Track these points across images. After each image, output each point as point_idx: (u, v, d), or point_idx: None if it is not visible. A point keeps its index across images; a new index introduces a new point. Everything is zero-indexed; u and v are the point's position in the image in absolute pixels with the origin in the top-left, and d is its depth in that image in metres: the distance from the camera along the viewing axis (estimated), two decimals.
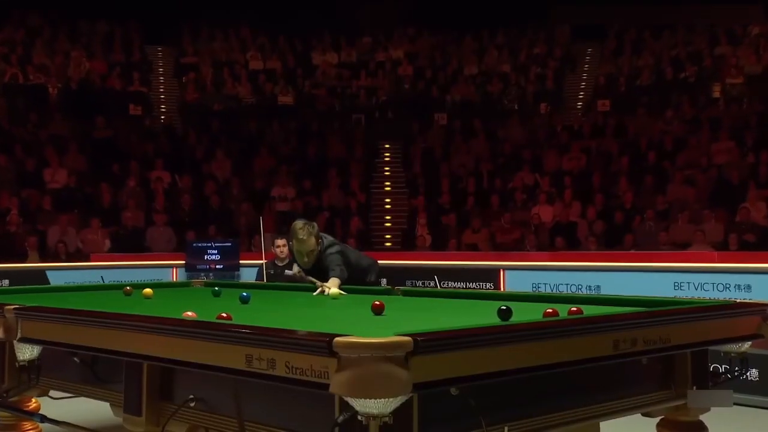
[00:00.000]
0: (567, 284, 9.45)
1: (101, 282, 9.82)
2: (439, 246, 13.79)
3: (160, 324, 3.24)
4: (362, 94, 18.72)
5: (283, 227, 13.79)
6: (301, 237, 5.86)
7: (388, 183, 17.19)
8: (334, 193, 15.65)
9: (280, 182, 15.60)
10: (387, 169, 17.59)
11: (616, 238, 12.87)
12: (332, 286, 5.32)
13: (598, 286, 9.24)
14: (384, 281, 9.75)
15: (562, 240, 12.86)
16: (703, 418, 3.78)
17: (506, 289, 9.47)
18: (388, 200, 16.75)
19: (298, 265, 6.16)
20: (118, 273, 11.23)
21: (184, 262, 12.34)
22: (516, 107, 18.24)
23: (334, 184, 15.80)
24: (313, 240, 5.89)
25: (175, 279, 11.67)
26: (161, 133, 17.14)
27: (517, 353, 2.80)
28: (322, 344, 2.47)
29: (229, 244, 12.76)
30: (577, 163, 15.31)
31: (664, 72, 17.85)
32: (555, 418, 3.11)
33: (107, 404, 3.77)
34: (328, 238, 6.17)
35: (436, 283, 10.36)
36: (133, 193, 14.66)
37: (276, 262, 8.03)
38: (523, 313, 3.43)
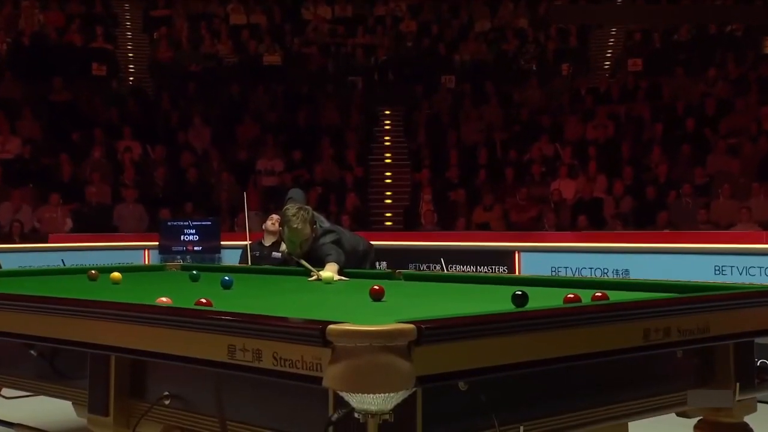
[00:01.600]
0: (591, 268, 9.48)
1: (62, 266, 9.83)
2: (446, 225, 13.80)
3: (130, 311, 3.25)
4: (359, 53, 18.65)
5: (269, 204, 13.82)
6: (295, 226, 5.84)
7: (388, 154, 17.18)
8: (328, 165, 15.64)
9: (266, 153, 15.59)
10: (387, 138, 17.56)
11: (647, 217, 12.88)
12: (330, 272, 5.31)
13: (627, 271, 9.26)
14: (384, 264, 9.78)
15: (585, 218, 12.87)
16: (748, 419, 3.78)
17: (522, 273, 9.49)
18: (388, 174, 16.75)
19: (288, 251, 6.17)
20: (81, 256, 11.25)
21: (157, 243, 12.36)
22: (534, 68, 18.17)
23: (328, 156, 15.80)
24: (308, 228, 5.88)
25: (147, 262, 11.70)
26: (129, 97, 17.10)
27: (534, 344, 2.82)
28: (315, 332, 2.48)
29: (209, 223, 12.78)
30: (603, 131, 15.29)
31: (707, 25, 17.76)
32: (577, 417, 3.13)
33: (69, 403, 3.79)
34: (324, 224, 6.17)
35: (442, 266, 10.40)
36: (98, 165, 14.65)
37: (263, 242, 8.04)
38: (541, 300, 3.44)
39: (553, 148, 15.38)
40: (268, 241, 8.00)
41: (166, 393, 3.21)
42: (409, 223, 14.67)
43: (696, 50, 17.10)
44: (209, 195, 14.78)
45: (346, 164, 15.83)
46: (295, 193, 6.69)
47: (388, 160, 17.07)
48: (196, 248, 12.39)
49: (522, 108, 16.71)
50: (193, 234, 12.44)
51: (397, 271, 5.41)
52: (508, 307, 3.19)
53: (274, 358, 2.60)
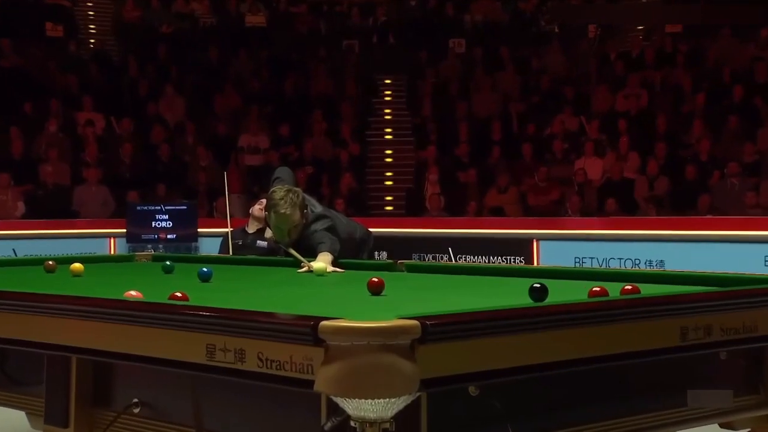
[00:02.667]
0: (620, 259, 9.54)
1: (13, 256, 9.86)
2: (454, 210, 13.84)
3: (94, 306, 3.26)
4: (355, 13, 18.63)
5: (253, 186, 13.84)
6: (282, 211, 5.87)
7: (388, 129, 17.19)
8: (320, 142, 15.66)
9: (249, 128, 15.60)
10: (388, 111, 17.57)
11: (686, 200, 12.90)
12: (322, 262, 5.34)
13: (662, 262, 9.31)
14: (384, 254, 9.82)
15: (614, 202, 12.89)
16: None
17: (541, 264, 9.53)
18: (388, 152, 16.77)
19: (275, 239, 6.21)
20: (35, 245, 11.28)
21: (124, 230, 12.40)
22: (556, 29, 18.15)
23: (319, 131, 15.81)
24: (297, 213, 5.92)
25: (113, 252, 11.74)
26: (90, 62, 17.08)
27: (555, 343, 2.83)
28: (305, 329, 2.50)
29: (184, 207, 12.84)
30: (635, 102, 15.28)
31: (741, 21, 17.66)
32: (604, 427, 3.13)
33: (22, 413, 3.80)
34: (315, 209, 6.21)
35: (450, 256, 10.46)
36: (55, 140, 14.66)
37: (246, 229, 8.09)
38: (563, 294, 3.46)
39: (578, 122, 15.39)
40: (252, 228, 8.04)
41: (135, 400, 3.22)
42: (412, 208, 14.70)
43: (745, 7, 16.97)
44: (184, 175, 14.79)
45: (341, 140, 15.84)
46: (283, 173, 6.72)
47: (388, 136, 17.08)
48: (169, 236, 12.44)
49: (542, 76, 16.70)
50: (166, 220, 12.49)
51: (399, 261, 5.45)
52: (525, 301, 3.21)
53: (259, 358, 2.62)
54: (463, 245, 10.63)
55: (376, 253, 8.82)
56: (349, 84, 17.23)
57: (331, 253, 5.59)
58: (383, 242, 9.72)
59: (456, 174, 14.80)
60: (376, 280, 3.92)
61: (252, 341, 2.66)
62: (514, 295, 3.55)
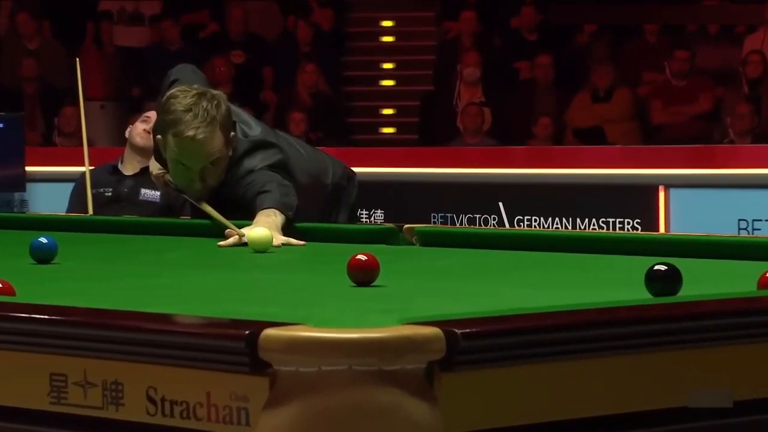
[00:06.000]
0: None
1: None
2: (511, 134, 13.86)
3: None
4: None
5: (131, 87, 13.88)
6: (191, 134, 5.87)
7: None
8: (257, 5, 15.69)
9: None
10: None
11: None
12: (264, 227, 5.38)
13: None
14: (380, 214, 9.85)
15: None
16: None
17: (671, 230, 9.55)
18: (387, 23, 16.78)
19: (175, 185, 6.22)
20: None
21: None
22: None
23: None
24: (218, 137, 5.92)
25: None
26: None
27: (695, 372, 2.87)
28: (236, 344, 2.52)
29: (0, 125, 12.82)
30: None
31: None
32: None
33: None
34: (251, 130, 6.25)
35: (502, 217, 10.47)
36: None
37: (119, 167, 8.14)
38: (711, 283, 3.52)
39: None
40: (131, 167, 8.10)
41: None
42: (431, 130, 14.73)
43: None
44: None
45: (297, 4, 15.86)
46: (186, 73, 6.74)
47: None
48: None
49: None
50: None
51: (407, 226, 5.54)
52: (641, 296, 3.26)
53: (150, 399, 2.65)
54: (526, 198, 10.64)
55: (363, 210, 8.89)
56: None
57: (282, 210, 5.66)
58: (378, 192, 9.74)
59: (513, 65, 14.84)
60: (363, 258, 3.97)
61: (136, 367, 2.69)
62: (617, 285, 3.65)
